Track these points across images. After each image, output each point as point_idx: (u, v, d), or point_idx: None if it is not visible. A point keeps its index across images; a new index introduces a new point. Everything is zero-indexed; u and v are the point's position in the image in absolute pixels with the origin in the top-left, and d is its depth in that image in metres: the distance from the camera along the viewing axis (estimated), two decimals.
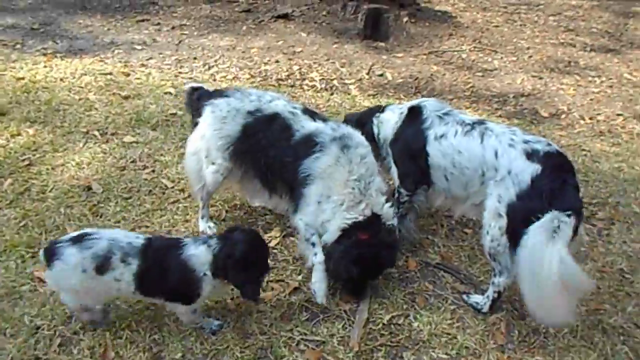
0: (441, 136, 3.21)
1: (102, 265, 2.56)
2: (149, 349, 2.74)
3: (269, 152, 3.25)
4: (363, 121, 3.65)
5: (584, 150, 5.01)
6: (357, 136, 3.21)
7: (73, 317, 2.87)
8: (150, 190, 3.93)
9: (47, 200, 3.74)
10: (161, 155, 4.35)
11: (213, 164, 3.41)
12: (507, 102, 5.97)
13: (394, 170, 3.52)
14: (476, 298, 3.16)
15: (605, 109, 6.01)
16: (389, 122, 3.54)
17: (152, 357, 2.70)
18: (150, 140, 4.54)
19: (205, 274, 2.61)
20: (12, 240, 3.35)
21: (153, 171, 4.15)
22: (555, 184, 2.79)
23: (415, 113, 3.38)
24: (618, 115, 5.91)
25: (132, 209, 3.71)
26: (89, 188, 3.89)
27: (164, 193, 3.91)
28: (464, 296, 3.21)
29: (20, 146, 4.34)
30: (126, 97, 5.29)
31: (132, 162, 4.25)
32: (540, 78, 6.66)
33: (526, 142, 2.98)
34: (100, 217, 3.63)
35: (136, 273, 2.59)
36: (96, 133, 4.61)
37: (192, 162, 3.53)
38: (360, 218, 3.02)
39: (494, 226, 2.94)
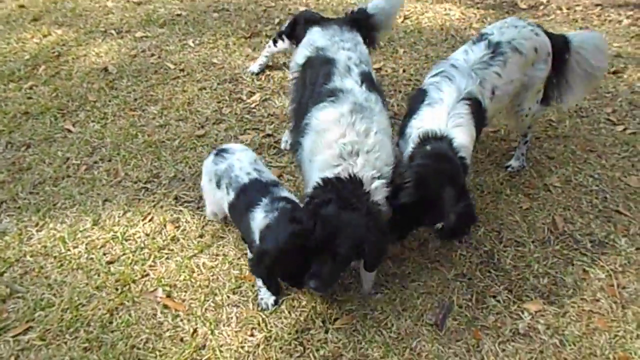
0: (493, 92, 3.01)
1: (217, 183, 2.84)
2: (150, 171, 3.60)
3: (305, 92, 3.04)
4: None
5: None
6: (382, 116, 2.74)
7: (94, 153, 3.77)
8: (156, 71, 4.71)
9: (72, 79, 4.59)
10: (167, 45, 5.09)
11: None
12: None
13: None
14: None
15: (585, 0, 6.31)
16: None
17: (152, 175, 3.56)
18: (158, 35, 5.27)
19: (256, 241, 2.53)
20: (46, 105, 4.24)
21: (159, 57, 4.92)
22: None
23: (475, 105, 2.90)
24: (597, 5, 6.21)
25: (140, 84, 4.51)
26: (106, 69, 4.70)
27: (167, 72, 4.68)
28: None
29: (51, 43, 5.16)
30: (139, 3, 5.99)
31: (142, 51, 5.02)
32: None
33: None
34: (115, 89, 4.46)
35: (229, 204, 2.75)
36: (113, 32, 5.37)
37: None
38: (331, 176, 2.51)
39: (534, 104, 3.33)
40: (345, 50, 3.03)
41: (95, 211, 3.28)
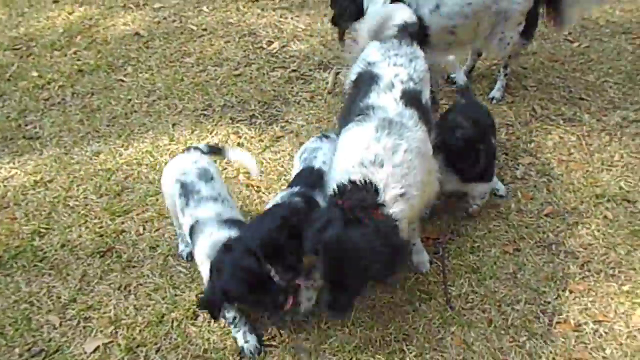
0: (437, 7, 3.42)
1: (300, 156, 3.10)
2: (203, 102, 4.34)
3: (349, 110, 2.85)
4: None
5: None
6: (416, 133, 2.53)
7: (151, 95, 4.47)
8: (182, 32, 5.40)
9: (110, 43, 5.24)
10: (184, 12, 5.77)
11: None
12: None
13: None
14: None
15: None
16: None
17: (205, 105, 4.30)
18: (174, 5, 5.92)
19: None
20: (96, 63, 4.91)
21: (180, 22, 5.60)
22: None
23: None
24: None
25: (172, 42, 5.21)
26: (138, 34, 5.37)
27: (191, 32, 5.38)
28: None
29: (78, 18, 5.77)
30: None
31: (164, 18, 5.69)
32: None
33: None
34: (151, 48, 5.15)
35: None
36: (131, 5, 6.00)
37: None
38: (345, 181, 2.40)
39: (515, 33, 3.75)
40: (397, 66, 2.82)
41: (168, 132, 4.01)
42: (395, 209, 2.34)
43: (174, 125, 4.09)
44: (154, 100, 4.40)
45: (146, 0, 6.11)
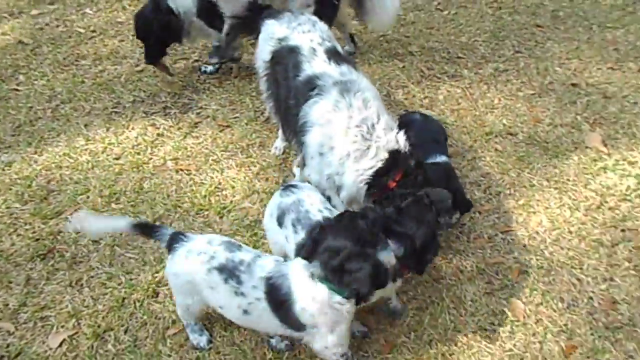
0: None
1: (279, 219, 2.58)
2: (111, 101, 4.31)
3: (281, 89, 3.08)
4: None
5: None
6: (364, 81, 2.84)
7: (52, 100, 4.34)
8: (70, 36, 5.24)
9: None
10: (67, 17, 5.58)
11: None
12: None
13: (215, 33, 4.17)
14: None
15: None
16: None
17: (115, 104, 4.28)
18: (53, 11, 5.70)
19: None
20: None
21: (65, 26, 5.42)
22: None
23: None
24: None
25: (61, 47, 5.05)
26: (21, 42, 5.13)
27: (80, 35, 5.25)
28: None
29: None
30: None
31: (46, 24, 5.47)
32: None
33: None
34: (40, 55, 4.95)
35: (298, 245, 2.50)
36: (6, 15, 5.66)
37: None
38: (379, 164, 2.58)
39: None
40: (306, 32, 3.05)
41: (82, 133, 3.96)
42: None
43: (86, 125, 4.03)
44: (57, 105, 4.28)
45: (21, 8, 5.82)
